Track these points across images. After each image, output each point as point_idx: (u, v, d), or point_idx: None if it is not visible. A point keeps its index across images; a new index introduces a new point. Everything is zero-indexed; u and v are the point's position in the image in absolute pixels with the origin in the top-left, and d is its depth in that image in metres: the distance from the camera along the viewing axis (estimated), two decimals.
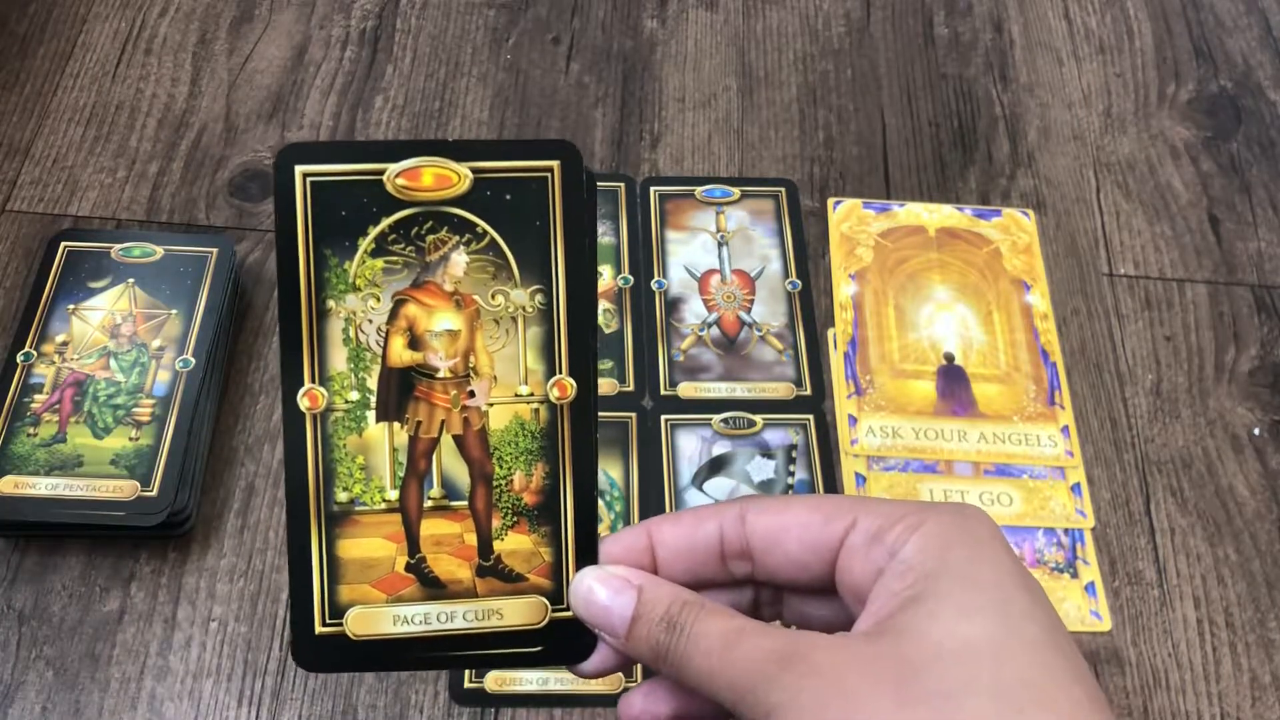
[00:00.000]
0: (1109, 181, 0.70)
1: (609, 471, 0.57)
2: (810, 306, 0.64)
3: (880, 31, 0.76)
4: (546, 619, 0.35)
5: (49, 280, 0.59)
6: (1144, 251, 0.67)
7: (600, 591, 0.33)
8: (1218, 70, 0.76)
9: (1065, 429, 0.60)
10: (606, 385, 0.59)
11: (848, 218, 0.67)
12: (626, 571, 0.33)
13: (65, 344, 0.58)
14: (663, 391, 0.60)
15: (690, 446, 0.59)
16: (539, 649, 0.35)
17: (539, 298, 0.35)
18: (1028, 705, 0.26)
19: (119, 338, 0.58)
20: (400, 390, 0.35)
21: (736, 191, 0.68)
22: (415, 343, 0.35)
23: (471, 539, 0.35)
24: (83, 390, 0.56)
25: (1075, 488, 0.58)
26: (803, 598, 0.34)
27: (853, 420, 0.60)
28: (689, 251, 0.65)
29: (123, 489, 0.53)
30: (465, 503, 0.35)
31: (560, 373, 0.35)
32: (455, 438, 0.35)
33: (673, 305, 0.63)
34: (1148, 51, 0.76)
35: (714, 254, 0.65)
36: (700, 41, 0.75)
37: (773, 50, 0.75)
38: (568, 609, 0.34)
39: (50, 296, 0.59)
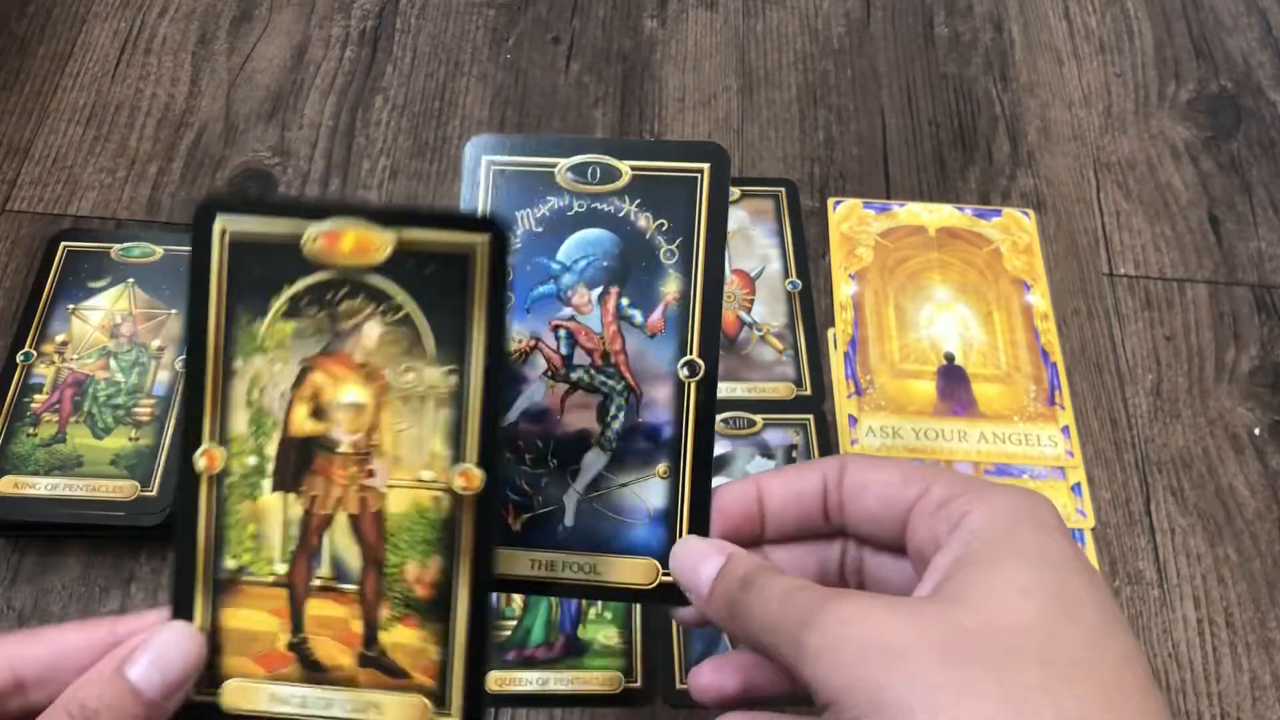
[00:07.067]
0: (1109, 181, 0.70)
1: None
2: (810, 306, 0.64)
3: (880, 31, 0.76)
4: None
5: (49, 280, 0.60)
6: (1144, 251, 0.67)
7: (697, 553, 0.35)
8: (1218, 70, 0.76)
9: (1065, 429, 0.60)
10: None
11: (848, 218, 0.67)
12: (721, 542, 0.35)
13: (65, 344, 0.58)
14: None
15: None
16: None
17: (452, 378, 0.33)
18: (1076, 678, 0.27)
19: (119, 338, 0.58)
20: (299, 461, 0.33)
21: (736, 191, 0.68)
22: (319, 413, 0.33)
23: (357, 626, 0.33)
24: (83, 390, 0.56)
25: (1075, 488, 0.58)
26: (879, 556, 0.36)
27: (853, 420, 0.60)
28: None
29: (123, 489, 0.53)
30: (355, 587, 0.33)
31: (467, 461, 0.33)
32: (351, 517, 0.33)
33: None
34: (1148, 51, 0.76)
35: None
36: (700, 41, 0.75)
37: (773, 50, 0.75)
38: (449, 714, 0.33)
39: (50, 296, 0.59)
